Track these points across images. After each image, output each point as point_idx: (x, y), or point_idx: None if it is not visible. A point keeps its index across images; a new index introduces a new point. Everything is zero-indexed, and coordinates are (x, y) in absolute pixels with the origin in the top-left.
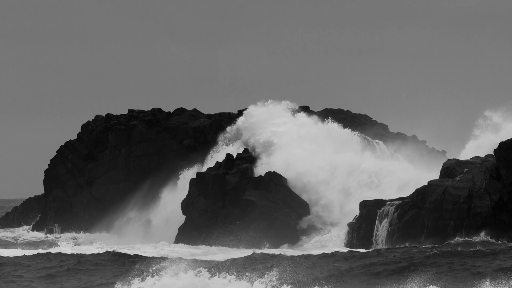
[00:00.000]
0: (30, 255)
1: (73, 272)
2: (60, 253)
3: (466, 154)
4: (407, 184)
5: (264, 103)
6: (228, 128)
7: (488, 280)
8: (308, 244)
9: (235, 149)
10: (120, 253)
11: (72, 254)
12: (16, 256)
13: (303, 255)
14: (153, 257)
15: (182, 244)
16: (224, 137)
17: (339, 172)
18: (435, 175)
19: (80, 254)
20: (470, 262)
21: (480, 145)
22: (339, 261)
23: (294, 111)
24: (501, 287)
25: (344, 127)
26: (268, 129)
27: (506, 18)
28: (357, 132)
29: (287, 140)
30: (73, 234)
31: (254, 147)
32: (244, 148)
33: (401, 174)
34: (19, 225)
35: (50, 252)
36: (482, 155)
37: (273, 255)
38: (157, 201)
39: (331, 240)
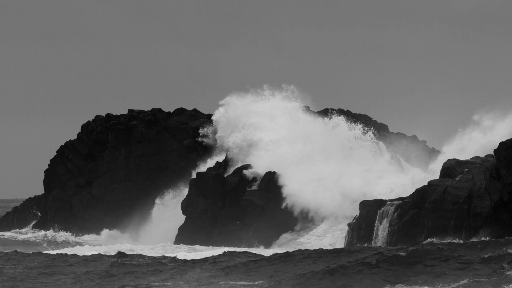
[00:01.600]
0: (27, 253)
1: (72, 262)
2: (61, 253)
3: (446, 155)
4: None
5: (256, 90)
6: (202, 130)
7: (477, 268)
8: (304, 238)
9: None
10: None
11: (68, 254)
12: (12, 251)
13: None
14: (145, 255)
15: (183, 244)
16: (200, 142)
17: (327, 185)
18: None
19: (77, 253)
20: (460, 252)
21: (464, 147)
22: (324, 257)
23: (297, 99)
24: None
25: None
26: (248, 122)
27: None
28: (372, 129)
29: (273, 138)
30: (73, 234)
31: (227, 149)
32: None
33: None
34: (19, 225)
35: (47, 252)
36: (468, 157)
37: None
38: (145, 226)
39: (329, 232)
